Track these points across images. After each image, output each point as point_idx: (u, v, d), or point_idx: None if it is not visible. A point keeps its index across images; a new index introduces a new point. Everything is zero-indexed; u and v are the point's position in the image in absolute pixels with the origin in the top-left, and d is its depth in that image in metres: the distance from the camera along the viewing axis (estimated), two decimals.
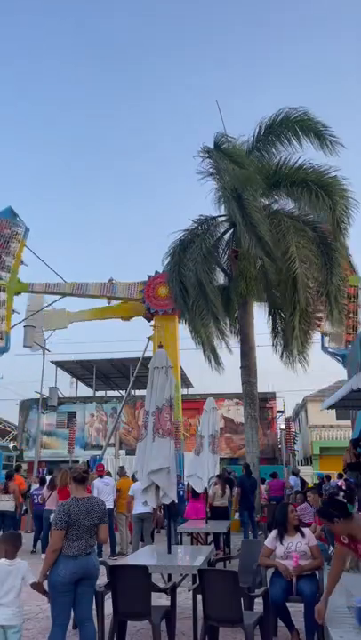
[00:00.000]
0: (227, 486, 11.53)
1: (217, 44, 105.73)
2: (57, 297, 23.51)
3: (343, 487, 8.56)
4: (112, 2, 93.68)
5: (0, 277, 22.55)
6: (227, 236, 14.84)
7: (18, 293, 23.05)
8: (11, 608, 3.94)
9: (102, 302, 23.98)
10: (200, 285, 13.45)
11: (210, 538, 9.92)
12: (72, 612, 4.40)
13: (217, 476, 10.58)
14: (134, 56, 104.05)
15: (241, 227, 12.79)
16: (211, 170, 14.40)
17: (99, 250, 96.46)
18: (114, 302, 23.70)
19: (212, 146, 14.53)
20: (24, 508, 13.48)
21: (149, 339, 22.50)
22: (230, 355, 15.27)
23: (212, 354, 14.72)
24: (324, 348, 17.57)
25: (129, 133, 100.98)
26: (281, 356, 14.49)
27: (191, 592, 5.24)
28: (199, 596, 4.77)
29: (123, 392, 28.30)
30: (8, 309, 22.49)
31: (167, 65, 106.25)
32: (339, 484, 9.11)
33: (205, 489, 9.80)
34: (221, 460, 16.58)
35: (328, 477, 16.09)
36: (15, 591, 3.98)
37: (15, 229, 23.15)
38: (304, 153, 13.88)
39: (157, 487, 5.91)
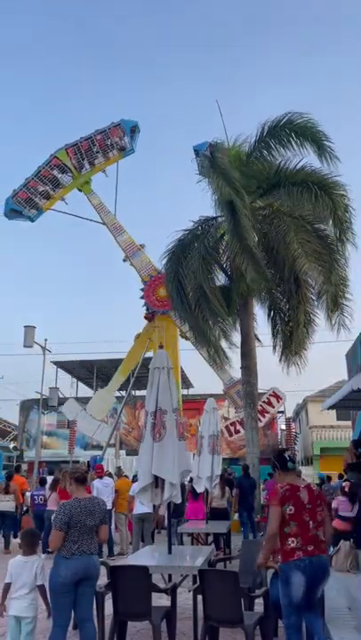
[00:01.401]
0: (226, 487, 11.50)
1: (217, 44, 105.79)
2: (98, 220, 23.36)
3: (346, 489, 8.55)
4: (112, 2, 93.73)
5: (82, 167, 23.06)
6: (227, 237, 14.80)
7: (80, 190, 23.33)
8: (25, 600, 4.20)
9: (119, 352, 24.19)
10: (200, 287, 13.41)
11: (210, 538, 9.91)
12: (72, 613, 4.40)
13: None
14: (134, 56, 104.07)
15: (233, 238, 12.81)
16: (207, 173, 14.42)
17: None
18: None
19: (209, 150, 14.52)
20: (24, 508, 13.48)
21: (150, 339, 22.50)
22: (231, 355, 15.22)
23: (217, 353, 14.64)
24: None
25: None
26: (280, 358, 14.44)
27: (191, 592, 5.24)
28: (199, 597, 4.77)
29: (123, 392, 28.26)
30: (61, 194, 23.16)
31: (167, 65, 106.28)
32: (343, 485, 9.09)
33: (206, 489, 9.79)
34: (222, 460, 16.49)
35: (329, 478, 15.99)
36: (29, 586, 4.24)
37: (123, 143, 23.27)
38: (307, 155, 13.86)
39: (156, 487, 5.87)
